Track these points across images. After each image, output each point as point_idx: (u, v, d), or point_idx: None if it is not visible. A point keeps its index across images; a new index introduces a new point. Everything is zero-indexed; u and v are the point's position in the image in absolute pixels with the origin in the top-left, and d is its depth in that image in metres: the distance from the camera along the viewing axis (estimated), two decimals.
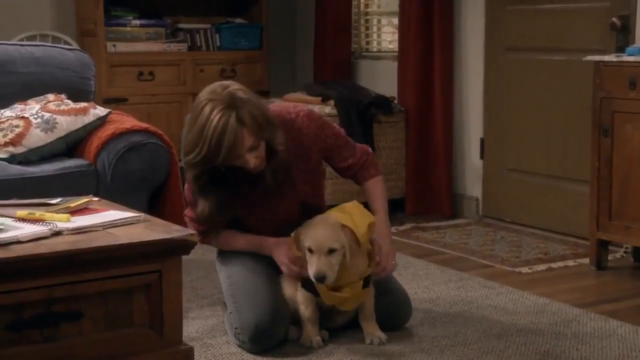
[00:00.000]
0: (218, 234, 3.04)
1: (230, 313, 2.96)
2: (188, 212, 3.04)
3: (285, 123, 2.91)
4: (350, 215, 2.86)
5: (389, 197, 5.07)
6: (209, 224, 2.97)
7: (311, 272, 2.76)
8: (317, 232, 2.77)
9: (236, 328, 2.90)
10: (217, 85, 2.79)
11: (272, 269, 3.00)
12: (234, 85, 2.78)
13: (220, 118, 2.67)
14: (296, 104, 3.09)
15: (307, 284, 2.88)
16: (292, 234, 2.87)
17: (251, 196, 2.95)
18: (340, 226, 2.79)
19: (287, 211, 2.98)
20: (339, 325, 3.01)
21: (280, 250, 2.93)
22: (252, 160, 2.78)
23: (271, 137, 2.80)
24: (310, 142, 2.96)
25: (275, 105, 3.04)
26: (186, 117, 2.85)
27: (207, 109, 2.69)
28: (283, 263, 2.92)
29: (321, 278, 2.75)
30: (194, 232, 2.90)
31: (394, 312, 3.04)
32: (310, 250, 2.78)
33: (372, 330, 2.95)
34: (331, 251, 2.76)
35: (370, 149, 3.19)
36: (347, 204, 2.96)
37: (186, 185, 3.01)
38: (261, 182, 2.88)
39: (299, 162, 2.93)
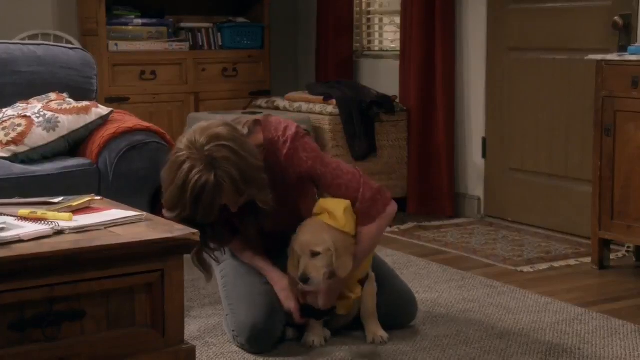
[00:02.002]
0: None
1: (227, 315, 2.96)
2: None
3: (270, 141, 2.85)
4: (328, 211, 2.85)
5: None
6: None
7: (297, 274, 2.80)
8: (301, 237, 2.81)
9: (233, 330, 2.90)
10: (198, 133, 2.66)
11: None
12: (216, 134, 2.65)
13: (198, 180, 2.59)
14: (290, 123, 2.92)
15: (306, 310, 2.90)
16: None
17: (240, 226, 2.92)
18: (324, 229, 2.80)
19: (277, 227, 2.90)
20: (341, 326, 3.01)
21: (287, 297, 2.90)
22: (232, 208, 2.74)
23: (253, 195, 2.71)
24: (287, 164, 2.85)
25: (274, 119, 2.93)
26: (163, 170, 2.71)
27: (186, 167, 2.61)
28: (291, 309, 2.90)
29: (305, 280, 2.77)
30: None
31: (399, 311, 3.05)
32: (296, 253, 2.82)
33: (374, 329, 2.95)
34: (314, 254, 2.78)
35: (363, 186, 2.89)
36: (320, 200, 2.92)
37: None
38: (245, 221, 2.84)
39: (277, 182, 2.81)
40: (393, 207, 2.95)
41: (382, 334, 2.94)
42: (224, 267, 3.05)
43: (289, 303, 2.89)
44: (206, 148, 2.62)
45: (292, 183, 2.88)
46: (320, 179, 2.89)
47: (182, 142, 2.68)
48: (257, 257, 2.99)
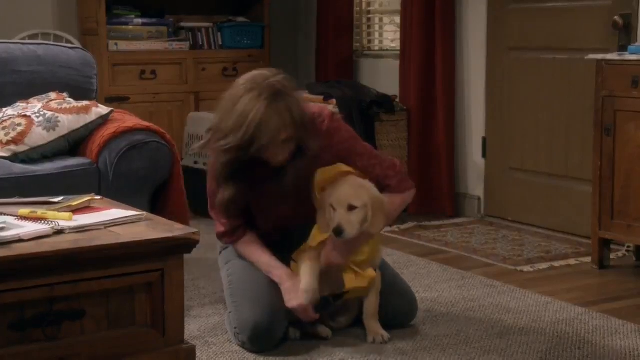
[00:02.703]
0: (242, 236, 3.01)
1: (230, 312, 2.96)
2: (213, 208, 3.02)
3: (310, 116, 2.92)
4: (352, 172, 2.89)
5: None
6: (225, 214, 2.95)
7: (331, 225, 2.79)
8: (340, 190, 2.80)
9: (235, 328, 2.90)
10: (257, 74, 2.80)
11: None
12: (275, 77, 2.80)
13: (262, 107, 2.69)
14: (324, 106, 3.07)
15: (322, 304, 2.89)
16: (317, 197, 2.87)
17: (265, 192, 2.93)
18: (362, 184, 2.83)
19: (293, 213, 2.95)
20: (342, 326, 3.02)
21: (292, 296, 2.88)
22: (281, 154, 2.80)
23: (304, 138, 2.80)
24: (327, 141, 2.91)
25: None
26: (220, 103, 2.80)
27: (249, 97, 2.71)
28: (295, 308, 2.88)
29: (339, 232, 2.76)
30: (222, 230, 2.98)
31: (399, 311, 3.05)
32: (333, 207, 2.80)
33: (375, 328, 2.95)
34: (351, 208, 2.78)
35: (399, 163, 3.05)
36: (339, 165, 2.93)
37: (209, 177, 2.99)
38: (280, 179, 2.86)
39: (310, 163, 2.89)
40: (414, 191, 3.07)
41: (383, 333, 2.94)
42: (231, 266, 3.06)
43: (294, 302, 2.87)
44: (271, 80, 2.76)
45: (326, 164, 2.91)
46: (359, 157, 2.95)
47: (241, 82, 2.77)
48: (264, 253, 2.98)
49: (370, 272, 2.92)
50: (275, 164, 2.84)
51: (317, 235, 2.90)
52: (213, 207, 3.01)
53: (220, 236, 3.06)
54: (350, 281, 2.90)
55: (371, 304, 2.96)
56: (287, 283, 2.91)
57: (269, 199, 2.95)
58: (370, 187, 2.86)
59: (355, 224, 2.80)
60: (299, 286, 2.86)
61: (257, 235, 3.03)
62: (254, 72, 2.83)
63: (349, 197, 2.79)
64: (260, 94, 2.71)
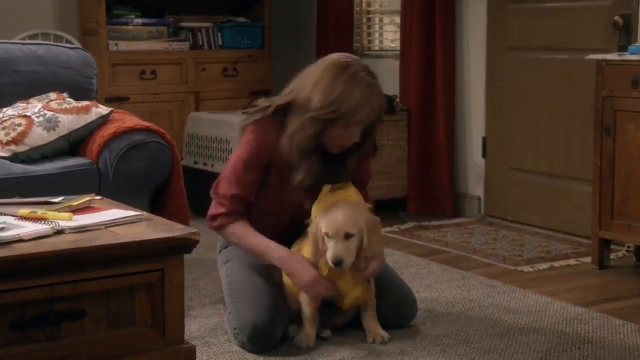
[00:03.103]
0: (238, 219, 2.96)
1: (229, 313, 2.96)
2: (223, 187, 2.97)
3: None
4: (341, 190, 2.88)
5: (391, 196, 5.10)
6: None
7: (327, 256, 2.77)
8: (334, 219, 2.77)
9: (235, 328, 2.90)
10: (346, 54, 2.89)
11: (272, 268, 3.00)
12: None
13: (363, 77, 2.81)
14: None
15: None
16: (310, 220, 2.86)
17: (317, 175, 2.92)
18: (355, 208, 2.80)
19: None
20: (340, 325, 3.01)
21: (301, 272, 2.85)
22: (354, 138, 2.85)
23: (375, 129, 2.94)
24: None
25: None
26: (311, 76, 2.85)
27: (367, 79, 2.82)
28: (309, 284, 2.84)
29: (339, 262, 2.75)
30: (221, 211, 2.94)
31: (399, 311, 3.05)
32: (328, 236, 2.77)
33: (374, 329, 2.95)
34: (348, 236, 2.77)
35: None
36: (342, 186, 2.93)
37: (237, 155, 2.95)
38: (342, 163, 2.92)
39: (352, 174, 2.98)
40: None
41: (382, 333, 2.94)
42: (230, 266, 3.05)
43: (306, 277, 2.83)
44: (368, 67, 2.90)
45: (350, 168, 2.95)
46: (367, 171, 3.09)
47: (335, 59, 2.86)
48: (260, 236, 2.95)
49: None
50: (336, 148, 2.87)
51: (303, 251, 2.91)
52: (228, 183, 2.94)
53: (215, 217, 2.98)
54: (349, 290, 2.91)
55: (369, 304, 2.96)
56: (290, 262, 2.88)
57: (312, 184, 2.91)
58: (364, 207, 2.82)
59: (353, 252, 2.78)
60: (305, 262, 2.85)
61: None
62: (339, 54, 2.91)
63: (345, 226, 2.76)
64: (363, 73, 2.82)
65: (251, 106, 3.03)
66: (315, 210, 2.88)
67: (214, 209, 3.00)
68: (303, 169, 2.85)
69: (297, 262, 2.88)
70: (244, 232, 2.96)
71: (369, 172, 3.11)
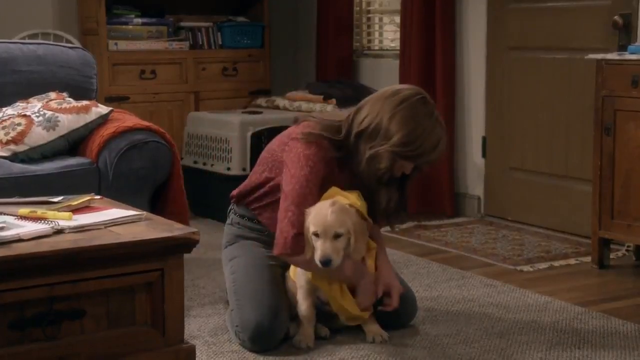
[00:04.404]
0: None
1: (232, 310, 2.96)
2: (297, 206, 2.85)
3: None
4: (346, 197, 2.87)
5: None
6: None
7: (316, 256, 2.76)
8: (324, 218, 2.76)
9: (237, 326, 2.90)
10: (427, 94, 2.94)
11: (277, 267, 3.00)
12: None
13: (440, 127, 2.88)
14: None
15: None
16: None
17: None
18: (345, 210, 2.79)
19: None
20: (340, 326, 3.01)
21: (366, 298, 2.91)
22: (410, 168, 2.93)
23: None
24: None
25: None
26: (402, 103, 2.87)
27: (439, 118, 2.89)
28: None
29: (327, 262, 2.74)
30: (296, 246, 2.84)
31: (399, 311, 3.04)
32: (317, 235, 2.77)
33: (373, 328, 2.94)
34: (337, 236, 2.76)
35: None
36: (335, 190, 2.91)
37: (309, 173, 2.87)
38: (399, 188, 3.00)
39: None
40: None
41: (382, 332, 2.94)
42: (234, 263, 3.05)
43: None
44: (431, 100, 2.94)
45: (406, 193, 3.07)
46: None
47: (413, 93, 2.89)
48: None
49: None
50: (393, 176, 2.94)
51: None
52: (300, 204, 2.84)
53: (297, 236, 2.83)
54: (348, 311, 2.91)
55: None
56: (355, 271, 2.89)
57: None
58: (353, 211, 2.81)
59: (340, 252, 2.77)
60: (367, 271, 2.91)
61: None
62: (411, 88, 2.96)
63: (334, 225, 2.75)
64: (436, 112, 2.89)
65: (307, 120, 3.03)
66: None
67: (292, 227, 2.84)
68: (384, 195, 2.93)
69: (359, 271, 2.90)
70: None
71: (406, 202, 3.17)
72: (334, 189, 2.88)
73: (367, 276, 2.90)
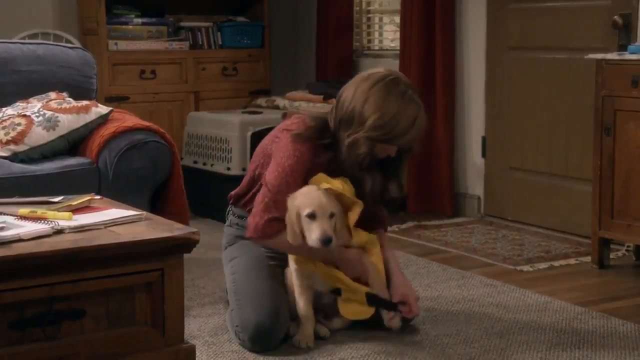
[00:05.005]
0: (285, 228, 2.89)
1: (232, 310, 2.96)
2: (275, 193, 2.87)
3: None
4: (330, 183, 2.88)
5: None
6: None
7: (315, 236, 2.74)
8: (318, 198, 2.76)
9: (237, 326, 2.90)
10: (393, 72, 2.94)
11: (277, 267, 3.00)
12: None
13: (415, 99, 2.86)
14: None
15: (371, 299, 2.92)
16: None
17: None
18: (330, 193, 2.80)
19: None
20: (339, 327, 3.01)
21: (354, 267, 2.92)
22: (394, 150, 2.92)
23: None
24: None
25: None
26: (362, 93, 2.86)
27: (414, 97, 2.87)
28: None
29: (328, 240, 2.73)
30: (277, 215, 2.85)
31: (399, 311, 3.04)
32: (312, 216, 2.75)
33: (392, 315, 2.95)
34: (331, 215, 2.77)
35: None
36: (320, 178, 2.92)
37: (291, 163, 2.89)
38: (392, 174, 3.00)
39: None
40: None
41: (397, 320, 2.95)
42: (235, 263, 3.05)
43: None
44: (409, 81, 2.93)
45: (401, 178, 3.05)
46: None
47: (384, 76, 2.88)
48: None
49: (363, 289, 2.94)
50: (376, 160, 2.93)
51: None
52: (277, 191, 2.86)
53: (271, 221, 2.87)
54: (354, 313, 2.94)
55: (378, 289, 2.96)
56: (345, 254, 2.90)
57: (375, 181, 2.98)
58: (333, 195, 2.81)
59: (332, 231, 2.76)
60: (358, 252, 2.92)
61: None
62: (385, 70, 2.94)
63: (329, 205, 2.76)
64: (410, 91, 2.87)
65: (292, 114, 3.07)
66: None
67: (266, 212, 2.88)
68: (369, 181, 2.91)
69: (354, 255, 2.92)
70: None
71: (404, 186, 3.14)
72: (320, 175, 2.88)
73: (348, 253, 2.90)
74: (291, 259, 2.93)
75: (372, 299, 2.92)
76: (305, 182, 2.88)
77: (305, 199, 2.77)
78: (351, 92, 2.89)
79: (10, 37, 4.93)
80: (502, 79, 4.80)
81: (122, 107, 4.57)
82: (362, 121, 2.83)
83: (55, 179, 3.36)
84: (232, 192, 3.19)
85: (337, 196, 2.81)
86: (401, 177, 3.03)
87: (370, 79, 2.88)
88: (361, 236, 2.94)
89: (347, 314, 2.95)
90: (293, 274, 2.92)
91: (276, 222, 2.86)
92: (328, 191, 2.80)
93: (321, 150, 2.92)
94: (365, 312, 2.94)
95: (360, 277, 2.93)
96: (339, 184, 2.86)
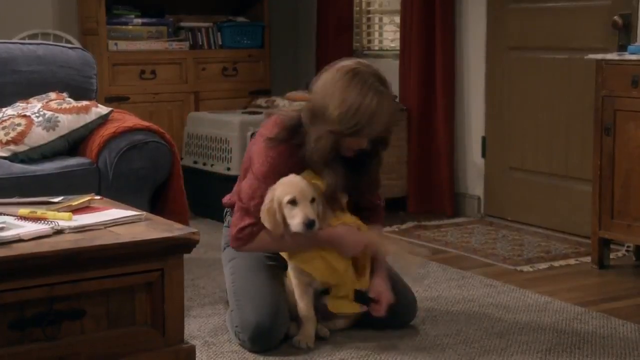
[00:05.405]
0: (265, 228, 2.90)
1: (232, 310, 2.96)
2: (247, 199, 2.91)
3: None
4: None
5: (391, 196, 5.11)
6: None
7: (298, 220, 2.74)
8: (298, 184, 2.77)
9: (236, 326, 2.90)
10: (356, 62, 2.87)
11: (277, 268, 3.00)
12: (373, 68, 2.87)
13: (377, 88, 2.78)
14: None
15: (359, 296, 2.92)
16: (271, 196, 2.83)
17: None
18: (308, 181, 2.81)
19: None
20: (340, 328, 3.01)
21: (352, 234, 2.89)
22: (364, 143, 2.86)
23: (388, 134, 2.94)
24: None
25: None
26: (320, 88, 2.85)
27: (359, 86, 2.77)
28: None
29: (311, 223, 2.74)
30: (249, 222, 2.88)
31: (399, 311, 3.04)
32: (294, 202, 2.75)
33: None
34: (312, 200, 2.77)
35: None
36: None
37: (259, 167, 2.91)
38: (363, 166, 2.95)
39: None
40: None
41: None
42: (234, 264, 3.05)
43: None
44: (373, 70, 2.85)
45: (372, 174, 3.01)
46: (377, 185, 3.09)
47: (344, 67, 2.83)
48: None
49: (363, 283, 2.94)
50: (349, 152, 2.89)
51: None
52: (251, 194, 2.90)
53: (243, 229, 2.90)
54: (340, 307, 2.94)
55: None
56: (336, 231, 2.87)
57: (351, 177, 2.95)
58: (314, 184, 2.83)
59: (318, 215, 2.77)
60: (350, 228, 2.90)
61: None
62: (350, 61, 2.89)
63: (310, 189, 2.76)
64: (371, 79, 2.79)
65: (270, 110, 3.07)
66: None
67: (240, 220, 2.92)
68: (330, 175, 2.87)
69: (344, 230, 2.89)
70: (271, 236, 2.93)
71: (378, 179, 3.10)
72: (305, 172, 2.88)
73: (336, 232, 2.88)
74: (288, 258, 2.94)
75: (359, 296, 2.92)
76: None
77: (285, 187, 2.79)
78: (318, 86, 2.87)
79: (10, 37, 4.93)
80: (502, 79, 4.80)
81: (122, 107, 4.57)
82: (326, 115, 2.80)
83: (55, 179, 3.36)
84: (225, 199, 3.21)
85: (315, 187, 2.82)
86: (373, 171, 2.99)
87: (334, 71, 2.85)
88: (347, 218, 2.92)
89: (333, 308, 2.94)
90: (291, 272, 2.92)
91: (250, 227, 2.89)
92: (306, 179, 2.81)
93: (296, 149, 2.90)
94: (352, 307, 2.94)
95: (365, 248, 2.91)
96: (312, 177, 2.87)
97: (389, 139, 2.95)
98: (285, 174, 2.86)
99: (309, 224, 2.74)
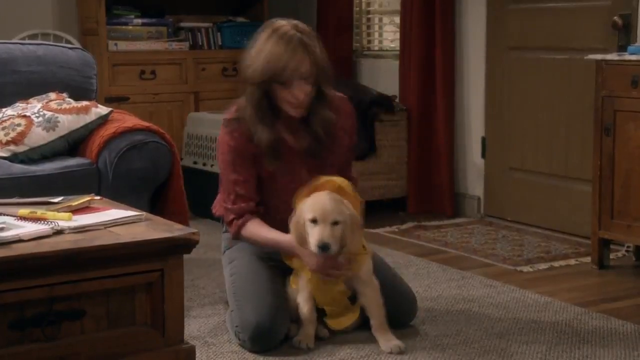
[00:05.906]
0: (248, 220, 2.96)
1: (232, 311, 2.97)
2: (224, 194, 3.00)
3: (337, 97, 3.09)
4: (337, 184, 2.87)
5: (391, 196, 5.12)
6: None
7: (312, 241, 2.73)
8: (324, 204, 2.75)
9: (237, 326, 2.90)
10: (290, 22, 3.00)
11: (276, 269, 3.01)
12: (295, 22, 3.01)
13: (286, 33, 2.89)
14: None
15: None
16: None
17: (288, 155, 2.97)
18: (341, 201, 2.78)
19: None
20: (341, 328, 3.01)
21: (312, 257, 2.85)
22: (300, 93, 2.88)
23: (325, 84, 2.96)
24: (345, 126, 3.07)
25: None
26: (255, 42, 2.96)
27: (272, 38, 2.89)
28: (317, 265, 2.84)
29: (325, 246, 2.71)
30: (231, 218, 2.96)
31: (399, 311, 3.04)
32: (314, 221, 2.74)
33: (388, 338, 2.88)
34: (335, 223, 2.74)
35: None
36: (334, 180, 2.90)
37: (221, 155, 3.00)
38: (305, 134, 2.97)
39: (329, 140, 3.00)
40: None
41: (398, 343, 2.85)
42: (234, 265, 3.06)
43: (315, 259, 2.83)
44: (299, 25, 2.98)
45: (339, 148, 3.04)
46: (350, 153, 3.15)
47: (271, 24, 2.99)
48: (273, 231, 2.95)
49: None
50: (295, 111, 2.92)
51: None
52: (226, 189, 3.00)
53: (229, 225, 3.01)
54: (340, 323, 2.95)
55: (379, 314, 2.90)
56: (299, 248, 2.86)
57: (291, 164, 2.98)
58: (347, 203, 2.80)
59: (338, 240, 2.75)
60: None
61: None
62: (276, 20, 3.01)
63: (333, 212, 2.73)
64: (292, 32, 2.91)
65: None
66: (298, 198, 2.86)
67: (226, 217, 3.04)
68: (260, 129, 2.93)
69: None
70: (256, 230, 2.98)
71: (349, 150, 3.13)
72: (324, 178, 2.87)
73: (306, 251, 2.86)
74: (296, 265, 2.94)
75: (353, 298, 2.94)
76: (255, 161, 2.95)
77: (311, 204, 2.77)
78: (247, 52, 2.99)
79: (10, 37, 4.93)
80: (502, 79, 4.80)
81: (122, 107, 4.57)
82: (249, 73, 2.93)
83: (55, 179, 3.36)
84: (214, 210, 3.24)
85: (339, 191, 2.81)
86: (316, 122, 2.98)
87: (258, 33, 2.98)
88: (334, 181, 2.88)
89: (336, 325, 2.95)
90: (302, 279, 2.91)
91: (234, 221, 2.98)
92: (341, 199, 2.78)
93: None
94: (351, 318, 2.95)
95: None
96: (346, 185, 2.87)
97: (327, 88, 2.99)
98: (250, 156, 2.93)
99: (322, 247, 2.72)
